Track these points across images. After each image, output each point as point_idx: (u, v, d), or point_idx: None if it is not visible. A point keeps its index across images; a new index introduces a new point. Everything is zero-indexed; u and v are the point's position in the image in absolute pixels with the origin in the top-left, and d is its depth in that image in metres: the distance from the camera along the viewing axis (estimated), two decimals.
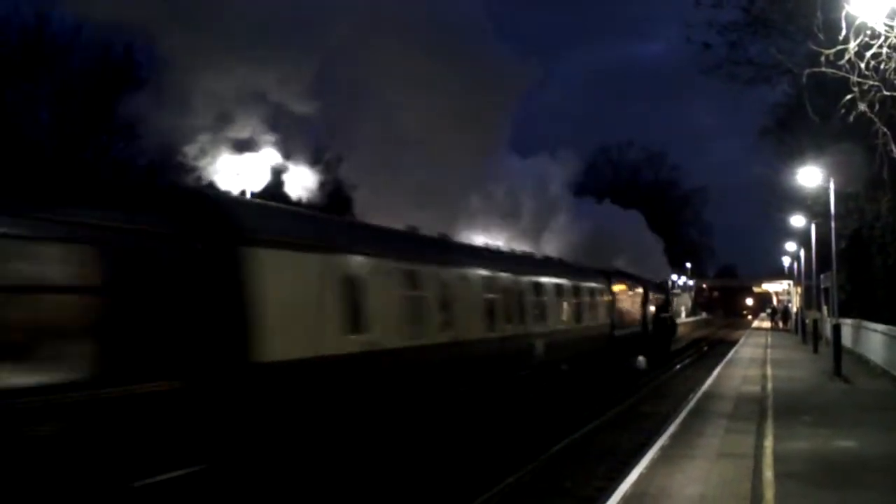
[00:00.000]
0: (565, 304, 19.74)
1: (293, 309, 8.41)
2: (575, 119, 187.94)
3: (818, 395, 19.29)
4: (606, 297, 24.34)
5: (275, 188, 15.93)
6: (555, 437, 15.26)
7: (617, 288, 26.06)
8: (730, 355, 34.03)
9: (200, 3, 11.65)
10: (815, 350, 33.23)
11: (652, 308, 32.24)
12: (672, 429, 14.11)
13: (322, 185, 14.81)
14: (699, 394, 19.60)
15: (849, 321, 31.96)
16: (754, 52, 19.92)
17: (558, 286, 19.22)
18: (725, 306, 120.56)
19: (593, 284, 22.87)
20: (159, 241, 7.02)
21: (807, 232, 38.63)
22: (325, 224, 10.82)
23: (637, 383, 25.54)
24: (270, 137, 13.97)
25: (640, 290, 30.44)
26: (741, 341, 46.32)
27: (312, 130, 14.97)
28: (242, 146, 12.99)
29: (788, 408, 16.49)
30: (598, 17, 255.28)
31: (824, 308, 40.41)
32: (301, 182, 14.84)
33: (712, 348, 46.98)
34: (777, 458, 11.23)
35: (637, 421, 18.30)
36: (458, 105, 17.19)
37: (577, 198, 34.99)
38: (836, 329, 25.13)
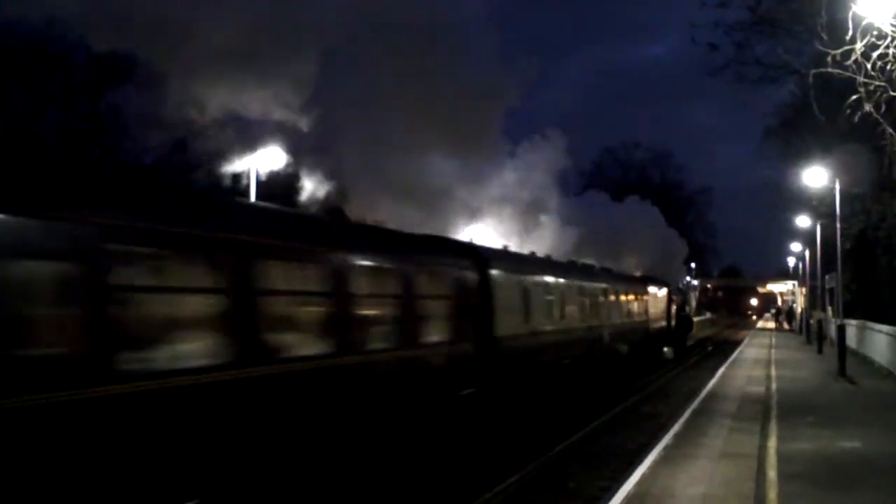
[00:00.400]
0: (619, 305, 26.40)
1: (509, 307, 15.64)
2: (578, 120, 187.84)
3: (822, 395, 19.28)
4: (644, 299, 30.67)
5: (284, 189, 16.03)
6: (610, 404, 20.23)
7: (651, 290, 32.26)
8: (734, 355, 33.99)
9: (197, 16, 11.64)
10: (820, 350, 33.18)
11: (674, 307, 37.73)
12: (676, 428, 14.12)
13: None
14: (703, 394, 19.58)
15: (854, 322, 31.89)
16: (761, 52, 19.87)
17: (615, 290, 25.85)
18: (730, 307, 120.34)
19: (636, 288, 29.83)
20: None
21: (812, 232, 38.55)
22: (519, 257, 19.99)
23: (667, 365, 31.55)
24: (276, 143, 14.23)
25: (666, 291, 35.91)
26: (745, 341, 46.25)
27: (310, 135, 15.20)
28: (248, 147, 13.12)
29: (792, 408, 16.49)
30: (600, 19, 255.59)
31: (829, 308, 40.37)
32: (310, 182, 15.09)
33: (716, 348, 46.90)
34: (780, 459, 11.23)
35: (640, 421, 18.30)
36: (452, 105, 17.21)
37: (594, 193, 37.36)
38: (841, 329, 25.09)
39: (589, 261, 27.33)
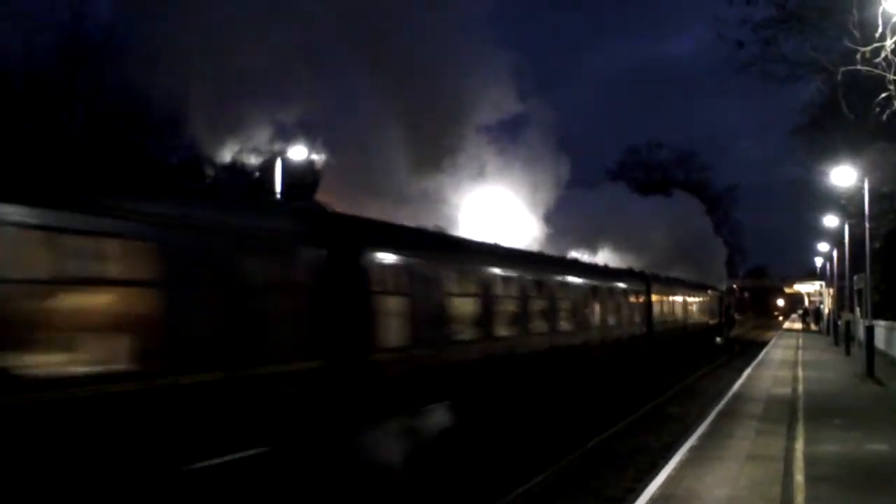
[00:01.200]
0: (698, 306, 38.22)
1: None
2: (600, 117, 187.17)
3: (850, 397, 19.05)
4: (708, 301, 41.57)
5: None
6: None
7: (710, 294, 42.86)
8: (760, 356, 33.71)
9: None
10: (848, 352, 32.78)
11: (722, 307, 47.52)
12: (702, 429, 14.02)
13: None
14: (729, 395, 19.44)
15: (882, 323, 31.45)
16: (788, 49, 19.64)
17: (697, 295, 38.23)
18: (756, 307, 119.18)
19: (706, 292, 41.38)
20: None
21: (840, 232, 38.08)
22: (670, 280, 32.75)
23: (721, 352, 40.39)
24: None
25: (717, 294, 46.12)
26: (772, 342, 45.85)
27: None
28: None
29: (820, 410, 16.31)
30: (623, 16, 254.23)
31: (857, 309, 39.85)
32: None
33: (743, 349, 46.52)
34: (808, 461, 11.12)
35: (665, 422, 18.20)
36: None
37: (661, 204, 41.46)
38: (869, 331, 24.76)
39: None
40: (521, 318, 13.81)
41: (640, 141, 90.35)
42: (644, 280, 26.07)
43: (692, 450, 12.13)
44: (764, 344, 45.16)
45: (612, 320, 20.89)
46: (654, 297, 26.31)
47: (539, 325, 14.95)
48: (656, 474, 10.58)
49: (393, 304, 9.80)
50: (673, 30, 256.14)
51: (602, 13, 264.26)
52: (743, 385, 21.77)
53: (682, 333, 32.46)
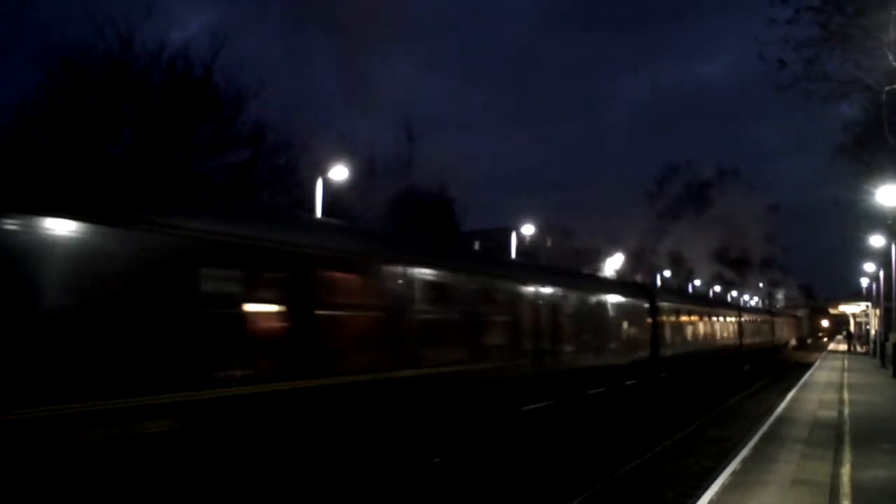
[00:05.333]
0: (767, 326, 49.35)
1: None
2: (635, 140, 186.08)
3: None
4: (769, 323, 51.48)
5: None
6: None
7: (768, 317, 54.09)
8: (805, 378, 33.10)
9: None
10: (895, 374, 32.08)
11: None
12: (744, 453, 13.83)
13: None
14: (773, 417, 19.12)
15: None
16: (831, 68, 19.43)
17: (766, 318, 50.89)
18: None
19: (766, 316, 52.62)
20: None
21: (887, 252, 37.41)
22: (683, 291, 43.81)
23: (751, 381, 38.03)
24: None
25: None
26: (816, 364, 45.00)
27: None
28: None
29: (867, 434, 15.98)
30: (658, 40, 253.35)
31: None
32: None
33: (787, 371, 45.76)
34: (855, 487, 10.91)
35: (705, 445, 17.96)
36: None
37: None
38: None
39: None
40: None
41: (678, 160, 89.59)
42: (647, 296, 22.78)
43: (735, 474, 11.97)
44: (808, 366, 44.33)
45: (591, 343, 17.54)
46: (661, 317, 23.13)
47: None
48: (698, 497, 10.45)
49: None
50: (706, 53, 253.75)
51: (634, 38, 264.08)
52: (787, 408, 21.39)
53: (700, 358, 28.72)
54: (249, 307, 7.73)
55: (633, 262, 64.23)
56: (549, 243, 70.26)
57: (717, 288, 71.55)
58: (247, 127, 33.14)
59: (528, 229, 44.93)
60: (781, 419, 18.91)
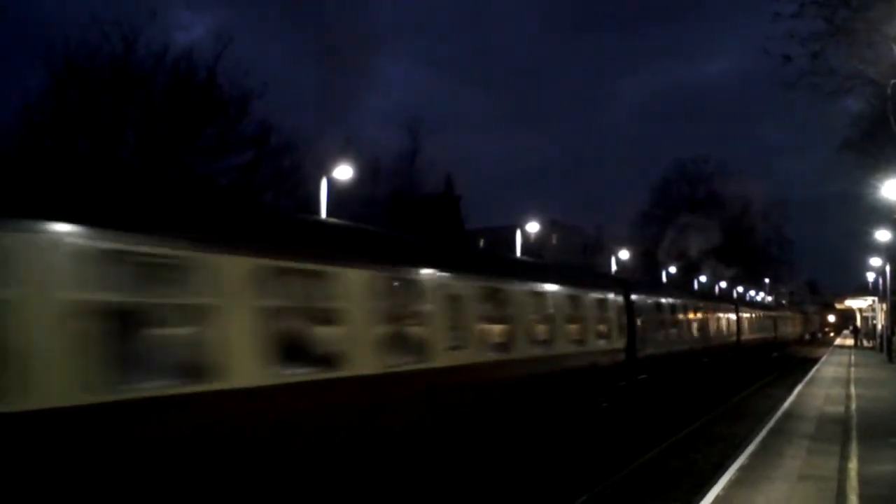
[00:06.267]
0: (792, 322, 65.31)
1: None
2: (638, 140, 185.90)
3: None
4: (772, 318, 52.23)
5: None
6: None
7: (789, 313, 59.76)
8: (811, 373, 33.05)
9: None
10: None
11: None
12: (751, 448, 13.82)
13: None
14: (779, 413, 19.10)
15: None
16: (836, 62, 19.39)
17: (793, 314, 68.86)
18: None
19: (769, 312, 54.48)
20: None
21: (893, 246, 37.30)
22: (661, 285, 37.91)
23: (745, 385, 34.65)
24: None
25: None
26: (823, 359, 44.92)
27: None
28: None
29: (874, 429, 15.95)
30: (659, 40, 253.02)
31: None
32: None
33: (793, 366, 45.69)
34: (862, 482, 10.90)
35: (713, 440, 17.95)
36: None
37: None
38: None
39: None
40: None
41: (684, 158, 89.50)
42: (622, 287, 19.30)
43: (742, 469, 11.96)
44: (815, 361, 44.25)
45: (543, 339, 13.84)
46: (638, 313, 19.83)
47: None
48: (704, 494, 10.45)
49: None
50: (706, 53, 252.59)
51: (636, 38, 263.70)
52: (793, 403, 21.37)
53: (686, 360, 25.17)
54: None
55: (641, 258, 64.09)
56: (554, 240, 70.08)
57: (723, 284, 71.44)
58: (251, 128, 33.23)
59: (533, 227, 44.94)
60: (788, 414, 18.89)
